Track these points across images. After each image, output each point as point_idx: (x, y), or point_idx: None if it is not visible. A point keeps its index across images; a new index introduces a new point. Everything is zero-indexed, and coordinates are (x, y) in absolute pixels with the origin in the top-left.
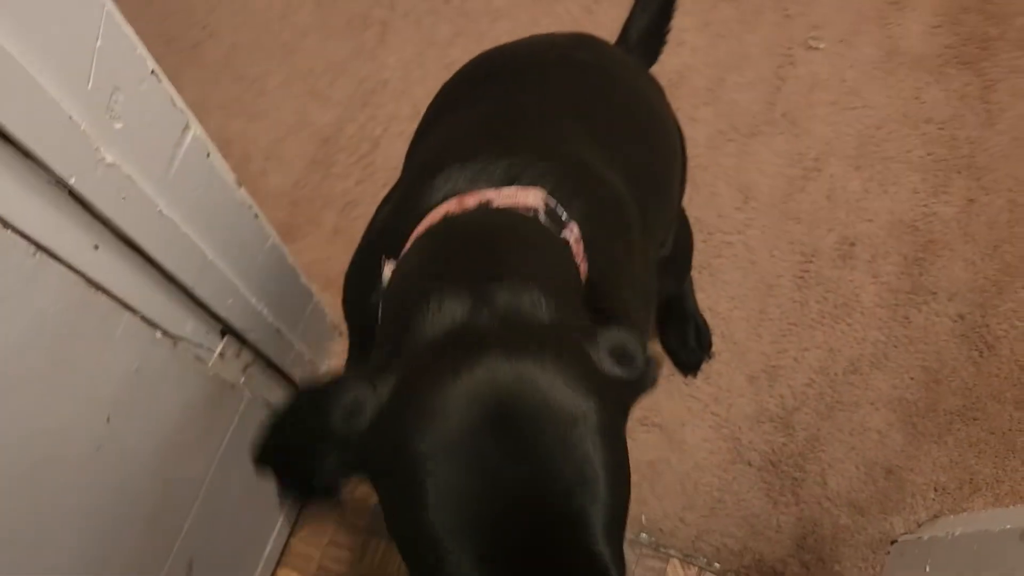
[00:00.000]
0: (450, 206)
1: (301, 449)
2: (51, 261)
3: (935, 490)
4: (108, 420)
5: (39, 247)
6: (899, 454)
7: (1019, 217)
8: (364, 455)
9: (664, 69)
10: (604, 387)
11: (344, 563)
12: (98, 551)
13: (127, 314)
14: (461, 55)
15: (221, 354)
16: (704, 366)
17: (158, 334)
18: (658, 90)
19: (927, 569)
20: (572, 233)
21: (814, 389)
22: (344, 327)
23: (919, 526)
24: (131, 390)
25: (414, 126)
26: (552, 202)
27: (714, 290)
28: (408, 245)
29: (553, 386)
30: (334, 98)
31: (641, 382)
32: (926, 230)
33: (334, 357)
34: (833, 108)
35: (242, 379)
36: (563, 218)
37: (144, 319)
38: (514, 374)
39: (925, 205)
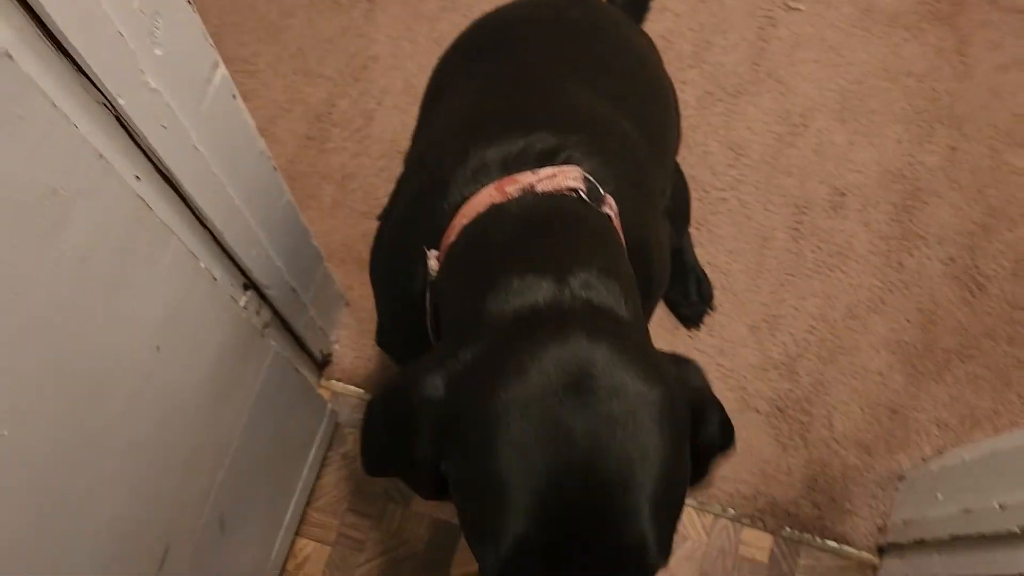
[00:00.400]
0: (492, 195)
1: (401, 444)
2: (112, 168)
3: (937, 426)
4: (158, 349)
5: (101, 154)
6: (901, 394)
7: (1000, 162)
8: (447, 414)
9: (649, 34)
10: (674, 386)
11: (363, 529)
12: (146, 489)
13: (174, 239)
14: (450, 28)
15: (244, 308)
16: (707, 318)
17: (201, 264)
18: (650, 43)
19: (939, 497)
20: (612, 208)
21: (815, 336)
22: (349, 297)
23: (924, 462)
24: (176, 321)
25: (407, 99)
26: (590, 179)
27: (712, 245)
28: (454, 235)
29: (631, 369)
30: (325, 75)
31: (711, 397)
32: (912, 178)
33: (342, 328)
34: (816, 66)
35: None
36: (601, 193)
37: (188, 248)
38: (596, 351)
39: (910, 155)
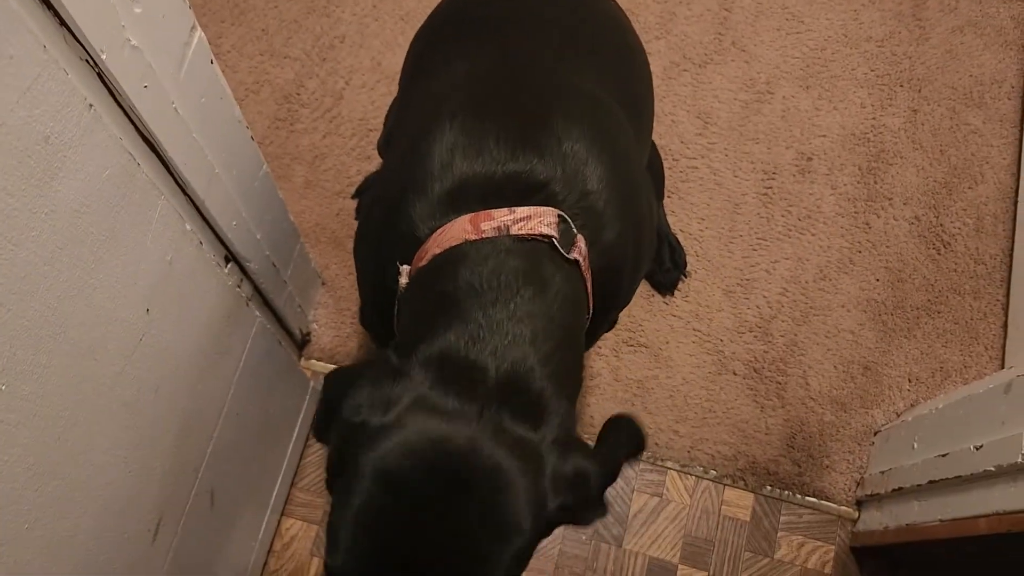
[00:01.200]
0: (466, 229)
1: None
2: (101, 119)
3: (909, 381)
4: (148, 311)
5: (91, 104)
6: (873, 351)
7: (959, 123)
8: (340, 448)
9: None
10: (543, 516)
11: None
12: (139, 456)
13: (162, 199)
14: (416, 5)
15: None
16: (681, 285)
17: (187, 226)
18: (623, 13)
19: (915, 446)
20: (580, 251)
21: (788, 297)
22: (325, 276)
23: (898, 416)
24: (165, 284)
25: (376, 78)
26: (565, 220)
27: (684, 212)
28: (424, 259)
29: (505, 494)
30: (292, 55)
31: (581, 516)
32: (876, 141)
33: (319, 307)
34: (778, 34)
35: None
36: (574, 234)
37: (175, 210)
38: (475, 469)
39: (873, 118)
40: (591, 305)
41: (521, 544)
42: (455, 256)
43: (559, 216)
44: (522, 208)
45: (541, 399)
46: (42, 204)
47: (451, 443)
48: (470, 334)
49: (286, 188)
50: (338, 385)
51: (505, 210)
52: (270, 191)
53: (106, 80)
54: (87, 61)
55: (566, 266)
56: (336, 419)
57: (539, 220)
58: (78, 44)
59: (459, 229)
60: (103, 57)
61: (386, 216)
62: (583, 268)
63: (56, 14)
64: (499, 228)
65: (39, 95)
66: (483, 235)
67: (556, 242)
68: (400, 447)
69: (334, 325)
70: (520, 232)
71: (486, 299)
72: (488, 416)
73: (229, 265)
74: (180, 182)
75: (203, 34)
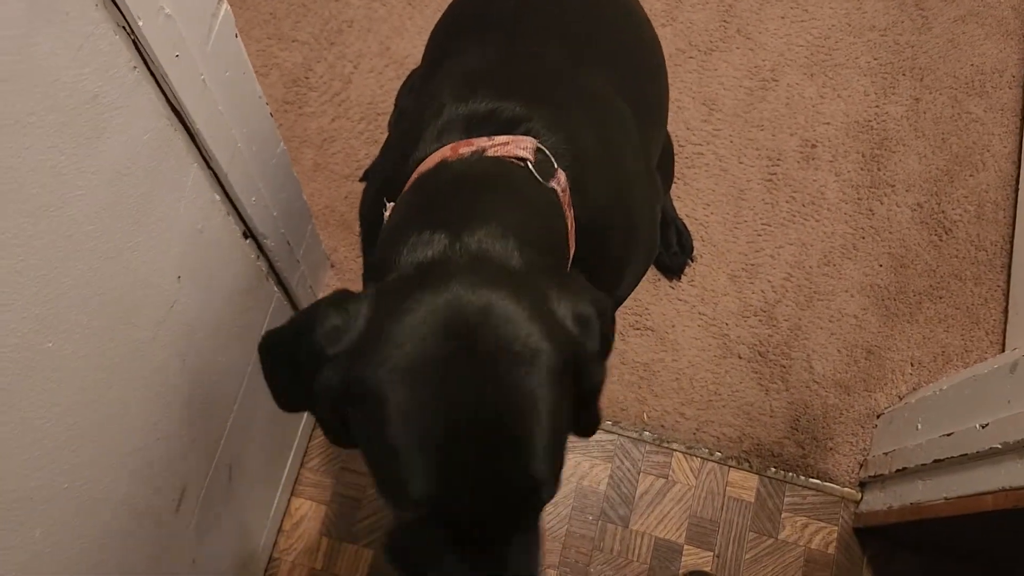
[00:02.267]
0: (445, 152)
1: (296, 364)
2: (144, 79)
3: (911, 365)
4: (179, 279)
5: (135, 66)
6: (876, 335)
7: (961, 111)
8: (343, 381)
9: None
10: (558, 337)
11: (359, 487)
12: (167, 424)
13: (195, 165)
14: None
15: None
16: (688, 269)
17: (216, 196)
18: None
19: (919, 427)
20: (560, 184)
21: (792, 282)
22: (334, 259)
23: (900, 399)
24: (196, 252)
25: (384, 62)
26: (544, 152)
27: (690, 198)
28: (407, 187)
29: (512, 323)
30: (299, 39)
31: (593, 353)
32: (880, 129)
33: (328, 289)
34: (783, 22)
35: None
36: (553, 166)
37: (205, 180)
38: (477, 307)
39: (876, 106)
40: (571, 248)
41: (550, 364)
42: (428, 175)
43: (538, 147)
44: (501, 136)
45: (523, 260)
46: (89, 163)
47: (453, 309)
48: (438, 224)
49: (296, 171)
50: (282, 342)
51: (484, 138)
52: (286, 170)
53: (141, 48)
54: (124, 28)
55: (542, 188)
56: (304, 373)
57: (516, 145)
58: (116, 10)
59: (439, 155)
60: (140, 24)
61: (383, 162)
62: (563, 201)
63: None
64: (475, 151)
65: (90, 54)
66: (460, 157)
67: (532, 166)
68: (401, 346)
69: None
70: (496, 154)
71: (457, 198)
72: (470, 277)
73: (248, 241)
74: (205, 154)
75: (228, 7)
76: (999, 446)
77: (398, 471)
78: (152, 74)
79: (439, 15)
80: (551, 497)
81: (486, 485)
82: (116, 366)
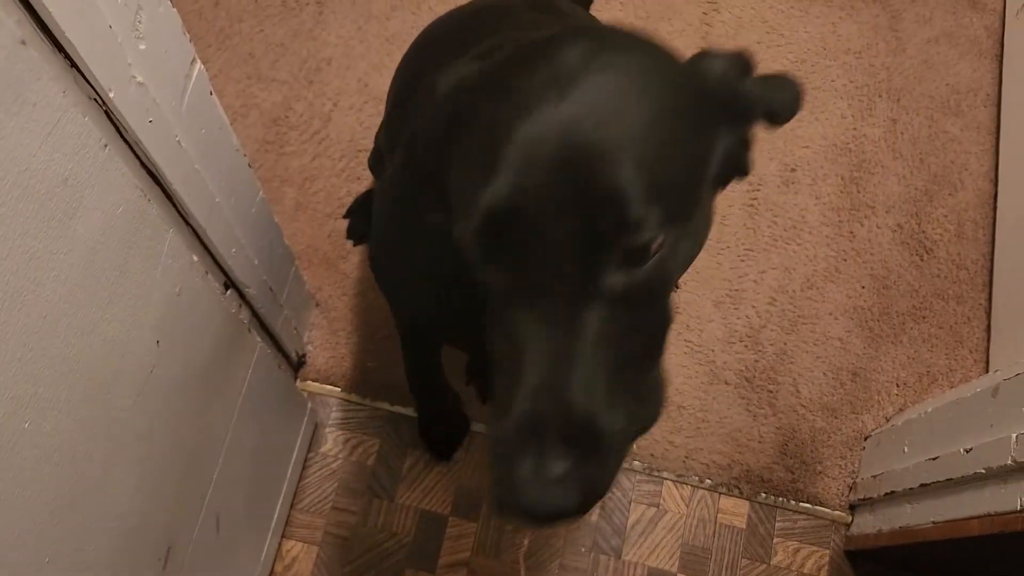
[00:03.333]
0: None
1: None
2: (115, 157)
3: (897, 386)
4: (158, 343)
5: (105, 143)
6: (861, 357)
7: (938, 131)
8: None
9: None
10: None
11: (349, 527)
12: (151, 485)
13: (171, 231)
14: (401, 27)
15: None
16: (672, 297)
17: (194, 257)
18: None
19: (905, 450)
20: None
21: (776, 307)
22: (319, 298)
23: (887, 420)
24: (174, 315)
25: (363, 99)
26: None
27: None
28: None
29: (625, 50)
30: (278, 79)
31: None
32: (858, 151)
33: (314, 329)
34: (759, 47)
35: None
36: None
37: (183, 242)
38: (597, 46)
39: (854, 128)
40: None
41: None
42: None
43: None
44: None
45: None
46: (62, 244)
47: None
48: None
49: (277, 211)
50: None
51: None
52: (266, 216)
53: (113, 118)
54: (95, 100)
55: None
56: None
57: None
58: (87, 84)
59: None
60: (111, 95)
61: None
62: None
63: (66, 56)
64: None
65: (59, 139)
66: None
67: None
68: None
69: (329, 346)
70: None
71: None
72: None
73: (228, 291)
74: (183, 213)
75: (202, 66)
76: (983, 471)
77: (476, 182)
78: (126, 141)
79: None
80: (656, 228)
81: (565, 191)
82: (95, 436)
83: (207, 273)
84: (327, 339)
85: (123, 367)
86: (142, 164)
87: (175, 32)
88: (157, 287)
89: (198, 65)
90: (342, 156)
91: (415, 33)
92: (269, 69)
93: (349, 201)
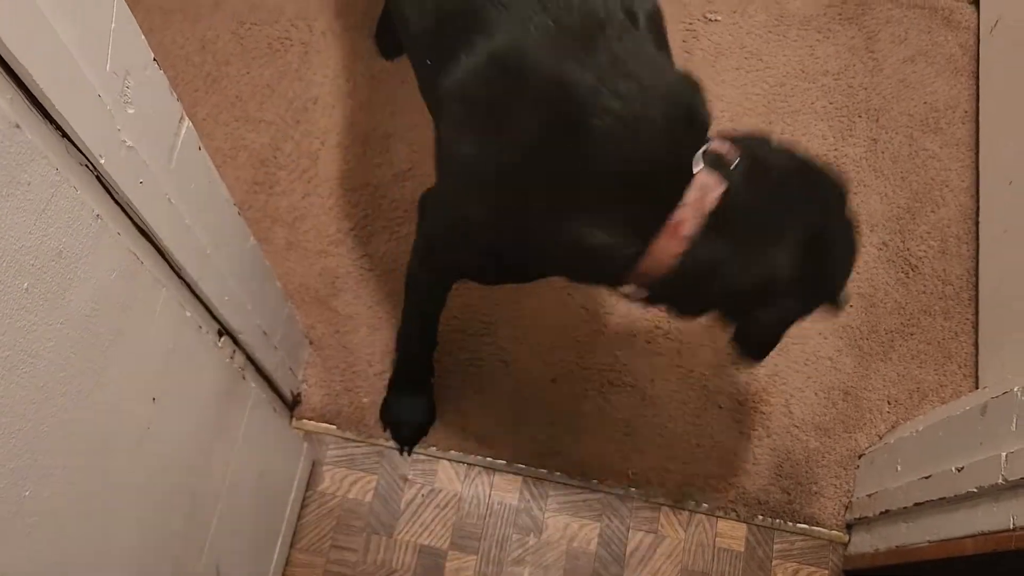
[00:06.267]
0: None
1: None
2: (107, 227)
3: (888, 403)
4: (154, 400)
5: (98, 214)
6: (852, 376)
7: (918, 149)
8: None
9: None
10: None
11: (349, 564)
12: (154, 538)
13: (164, 289)
14: (385, 65)
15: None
16: (664, 323)
17: (188, 312)
18: None
19: (898, 469)
20: None
21: None
22: (312, 336)
23: (880, 438)
24: (169, 370)
25: (350, 138)
26: None
27: None
28: None
29: None
30: (266, 120)
31: None
32: (840, 170)
33: (308, 367)
34: (738, 73)
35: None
36: None
37: (176, 299)
38: None
39: (835, 148)
40: None
41: None
42: None
43: None
44: None
45: None
46: (57, 315)
47: None
48: None
49: (268, 251)
50: None
51: None
52: (257, 261)
53: (104, 182)
54: (86, 166)
55: None
56: None
57: None
58: (78, 151)
59: None
60: (102, 162)
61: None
62: None
63: (57, 127)
64: None
65: (53, 214)
66: None
67: None
68: None
69: (324, 384)
70: None
71: None
72: None
73: (223, 339)
74: (176, 268)
75: (190, 123)
76: (975, 490)
77: None
78: (117, 203)
79: (403, 87)
80: None
81: None
82: (93, 496)
83: (200, 327)
84: (322, 377)
85: (120, 427)
86: (134, 224)
87: (162, 93)
88: (152, 346)
89: (186, 123)
90: (330, 194)
91: (400, 70)
92: (257, 111)
93: (339, 237)
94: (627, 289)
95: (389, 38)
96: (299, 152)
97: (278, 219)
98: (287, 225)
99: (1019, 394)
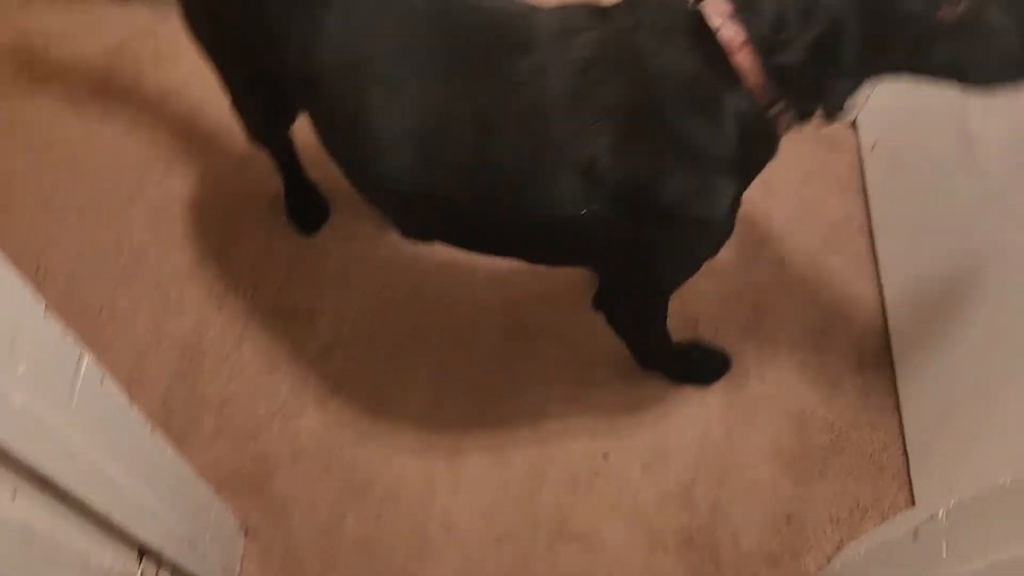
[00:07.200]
0: None
1: None
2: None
3: (831, 522)
4: None
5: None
6: (791, 499)
7: (822, 267)
8: None
9: None
10: None
11: None
12: None
13: (63, 551)
14: (304, 241)
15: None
16: (601, 468)
17: (92, 561)
18: None
19: None
20: None
21: (703, 460)
22: (248, 526)
23: (828, 562)
24: None
25: (275, 317)
26: None
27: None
28: None
29: None
30: (188, 307)
31: None
32: (751, 295)
33: (246, 559)
34: None
35: None
36: None
37: (75, 553)
38: None
39: (745, 276)
40: None
41: None
42: None
43: None
44: None
45: None
46: None
47: None
48: None
49: (195, 441)
50: None
51: None
52: (178, 471)
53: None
54: None
55: None
56: None
57: None
58: None
59: None
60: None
61: None
62: None
63: None
64: None
65: None
66: None
67: None
68: None
69: (264, 572)
70: None
71: None
72: None
73: (143, 560)
74: (91, 511)
75: (90, 358)
76: None
77: None
78: (11, 463)
79: (323, 261)
80: None
81: None
82: None
83: (117, 552)
84: (261, 568)
85: None
86: (32, 476)
87: (56, 341)
88: None
89: (84, 361)
90: (257, 374)
91: (320, 243)
92: (178, 298)
93: (266, 421)
94: None
95: (301, 213)
96: (223, 336)
97: (205, 406)
98: (214, 410)
99: (943, 519)
